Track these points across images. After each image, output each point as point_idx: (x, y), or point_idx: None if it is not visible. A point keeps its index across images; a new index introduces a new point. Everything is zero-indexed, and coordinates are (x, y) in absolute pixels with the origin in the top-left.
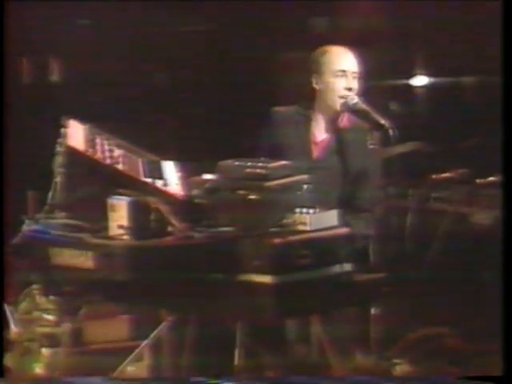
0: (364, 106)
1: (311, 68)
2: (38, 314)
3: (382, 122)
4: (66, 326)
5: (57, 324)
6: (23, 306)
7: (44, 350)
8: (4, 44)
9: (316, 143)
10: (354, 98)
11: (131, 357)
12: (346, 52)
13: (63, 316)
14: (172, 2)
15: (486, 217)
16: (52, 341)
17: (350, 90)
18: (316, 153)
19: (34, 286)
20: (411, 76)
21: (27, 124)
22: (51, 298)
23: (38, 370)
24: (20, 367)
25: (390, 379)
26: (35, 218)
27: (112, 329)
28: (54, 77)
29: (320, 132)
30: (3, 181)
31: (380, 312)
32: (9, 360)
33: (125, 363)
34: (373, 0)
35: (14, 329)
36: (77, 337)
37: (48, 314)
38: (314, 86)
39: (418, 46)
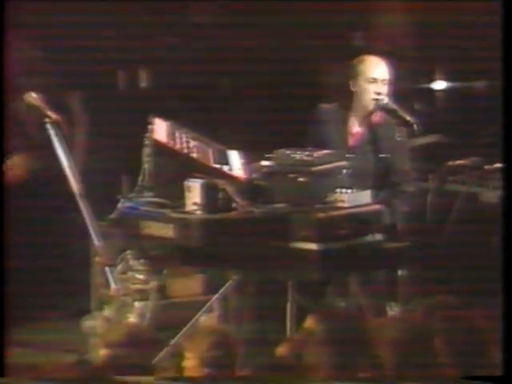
0: (393, 106)
1: (349, 74)
2: (131, 274)
3: (408, 118)
4: (153, 284)
5: (146, 282)
6: (119, 267)
7: (136, 303)
8: (4, 43)
9: (353, 135)
10: (385, 99)
11: (204, 309)
12: (378, 61)
13: (150, 275)
14: (238, 23)
15: (492, 196)
16: (142, 295)
17: (379, 94)
18: (352, 143)
19: (128, 252)
20: (432, 80)
21: (122, 122)
22: (141, 261)
23: (131, 319)
24: (117, 317)
25: (391, 380)
26: (128, 197)
27: (189, 286)
28: (143, 83)
29: (356, 126)
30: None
31: (406, 272)
32: (108, 312)
33: (199, 314)
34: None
35: (113, 286)
36: (161, 292)
37: (139, 273)
38: (351, 88)
39: (438, 54)
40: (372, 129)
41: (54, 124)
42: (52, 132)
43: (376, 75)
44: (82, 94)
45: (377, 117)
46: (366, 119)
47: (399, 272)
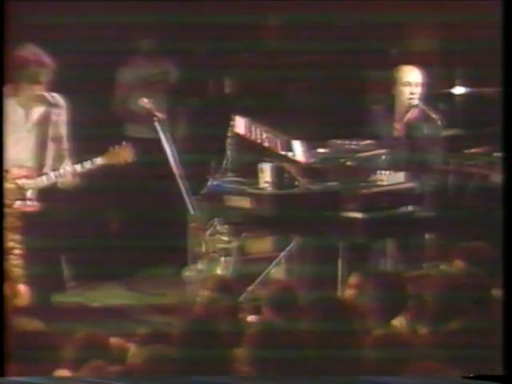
0: (422, 106)
1: (390, 80)
2: (217, 237)
3: (434, 116)
4: (235, 244)
5: (229, 242)
6: (208, 232)
7: (222, 259)
8: (5, 42)
9: (393, 129)
10: (416, 100)
11: (274, 263)
12: (412, 69)
13: (233, 237)
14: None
15: (500, 177)
16: (226, 253)
17: (413, 94)
18: (393, 135)
19: (215, 219)
20: (453, 85)
21: (210, 119)
22: (225, 226)
23: (218, 271)
24: (208, 270)
25: (392, 378)
26: (215, 176)
27: (262, 245)
28: (227, 88)
29: (397, 121)
30: None
31: (432, 236)
32: (201, 265)
33: (270, 267)
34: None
35: (203, 246)
36: (241, 250)
37: (224, 236)
38: (393, 92)
39: (460, 64)
40: (407, 124)
41: (160, 122)
42: (159, 128)
43: (410, 79)
44: (181, 98)
45: (412, 114)
46: (403, 116)
47: (426, 236)
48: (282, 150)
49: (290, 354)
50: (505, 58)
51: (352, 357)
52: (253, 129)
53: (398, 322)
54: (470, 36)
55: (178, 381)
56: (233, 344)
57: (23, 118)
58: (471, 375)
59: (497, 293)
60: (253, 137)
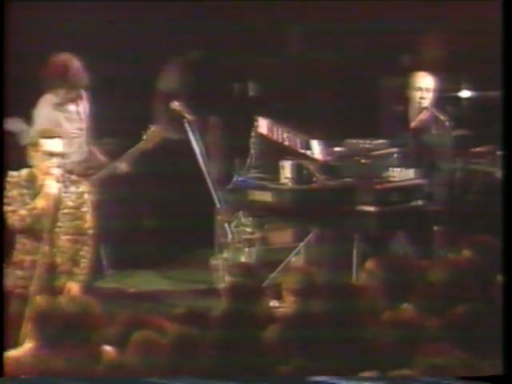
0: (432, 109)
1: (404, 85)
2: (242, 228)
3: (442, 117)
4: (258, 235)
5: (252, 233)
6: (233, 223)
7: (246, 248)
8: (4, 43)
9: (405, 129)
10: (426, 104)
11: (294, 252)
12: (424, 75)
13: (256, 228)
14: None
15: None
16: (250, 243)
17: (423, 98)
18: (405, 135)
19: (240, 212)
20: (460, 89)
21: (235, 121)
22: (249, 218)
23: (243, 259)
24: (233, 258)
25: (392, 380)
26: (240, 173)
27: (282, 236)
28: (251, 92)
29: (408, 122)
30: None
31: (440, 227)
32: (227, 254)
33: (290, 256)
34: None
35: (229, 236)
36: (264, 240)
37: (248, 227)
38: (407, 95)
39: (466, 70)
40: (418, 125)
41: (190, 123)
42: (188, 128)
43: (421, 85)
44: (209, 101)
45: (422, 116)
46: (413, 118)
47: (435, 228)
48: (302, 148)
49: (309, 335)
50: (505, 62)
51: (365, 337)
52: (275, 129)
53: (408, 305)
54: (475, 42)
55: (178, 381)
56: (257, 326)
57: (68, 121)
58: (471, 375)
59: (498, 279)
60: (275, 136)
